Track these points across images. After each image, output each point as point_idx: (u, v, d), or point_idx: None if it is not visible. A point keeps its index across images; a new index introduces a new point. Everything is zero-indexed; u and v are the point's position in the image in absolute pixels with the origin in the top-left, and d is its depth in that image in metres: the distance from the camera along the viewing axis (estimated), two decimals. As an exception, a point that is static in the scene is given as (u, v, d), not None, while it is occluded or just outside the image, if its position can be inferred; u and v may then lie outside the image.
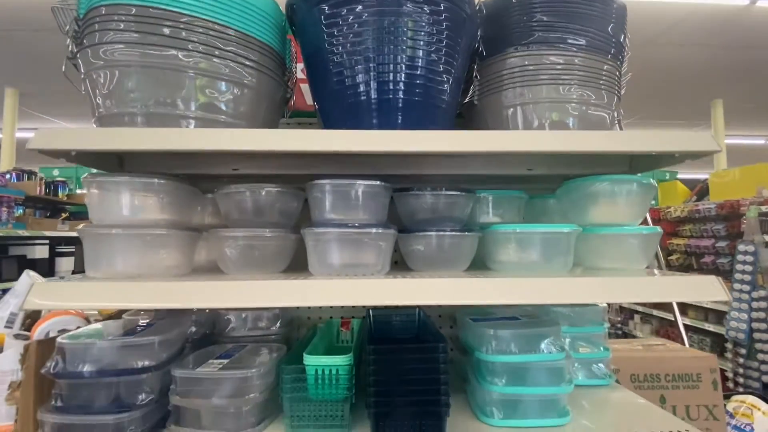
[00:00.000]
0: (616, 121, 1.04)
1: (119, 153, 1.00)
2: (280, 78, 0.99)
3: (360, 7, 0.86)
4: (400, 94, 0.93)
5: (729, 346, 3.56)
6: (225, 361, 0.89)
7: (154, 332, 0.86)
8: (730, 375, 3.52)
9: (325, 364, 0.85)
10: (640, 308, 4.81)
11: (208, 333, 1.07)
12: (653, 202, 5.36)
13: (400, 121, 0.92)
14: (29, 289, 0.74)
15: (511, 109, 1.00)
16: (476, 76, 1.07)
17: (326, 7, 0.88)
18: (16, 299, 1.02)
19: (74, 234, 4.26)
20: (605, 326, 1.15)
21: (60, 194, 4.46)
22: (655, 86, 5.72)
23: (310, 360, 0.86)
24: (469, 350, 0.95)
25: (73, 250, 4.20)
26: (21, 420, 0.79)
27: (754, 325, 3.40)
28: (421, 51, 0.91)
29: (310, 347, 0.91)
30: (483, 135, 0.80)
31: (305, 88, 1.36)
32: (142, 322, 0.96)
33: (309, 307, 1.30)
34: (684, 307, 4.08)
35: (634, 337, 4.58)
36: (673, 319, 2.57)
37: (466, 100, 1.06)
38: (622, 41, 1.04)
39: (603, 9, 0.98)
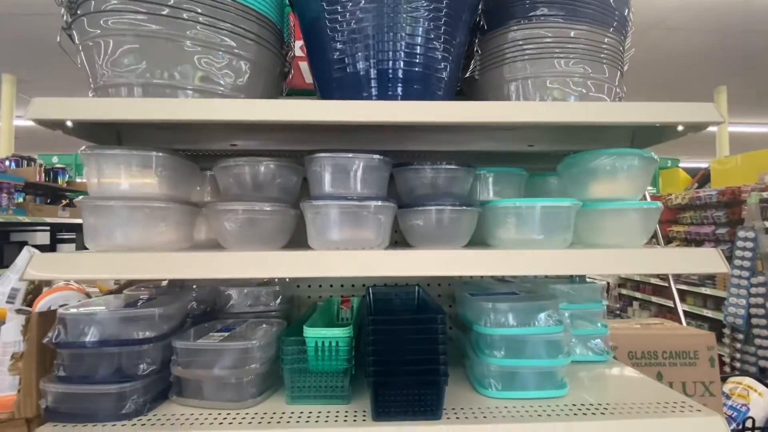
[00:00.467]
0: (618, 98, 1.03)
1: (117, 127, 1.00)
2: (279, 51, 0.98)
3: (359, -23, 0.85)
4: (400, 68, 0.92)
5: (727, 331, 3.59)
6: (225, 334, 0.90)
7: (155, 305, 0.87)
8: (727, 360, 3.55)
9: (325, 336, 0.86)
10: (638, 295, 4.84)
11: (208, 309, 1.07)
12: (654, 189, 5.35)
13: (399, 95, 0.91)
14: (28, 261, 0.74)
15: (513, 84, 0.99)
16: (477, 51, 1.06)
17: (325, -23, 0.86)
18: (17, 275, 1.03)
19: (75, 221, 4.27)
20: (604, 303, 1.15)
21: (60, 181, 4.45)
22: (658, 73, 5.66)
23: (310, 332, 0.86)
24: (468, 324, 0.96)
25: (75, 237, 4.21)
26: (24, 390, 0.80)
27: (752, 310, 3.42)
28: (420, 24, 0.90)
29: (309, 321, 0.92)
30: (483, 105, 0.80)
31: (304, 66, 1.35)
32: (143, 296, 0.97)
33: (309, 286, 1.30)
34: (683, 294, 4.10)
35: (632, 323, 4.60)
36: (672, 305, 2.59)
37: (467, 75, 1.04)
38: (626, 15, 1.02)
39: (607, -20, 0.96)
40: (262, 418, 0.80)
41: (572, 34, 0.95)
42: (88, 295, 1.07)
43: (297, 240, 0.96)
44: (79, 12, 0.80)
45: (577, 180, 1.00)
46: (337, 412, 0.83)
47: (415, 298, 1.14)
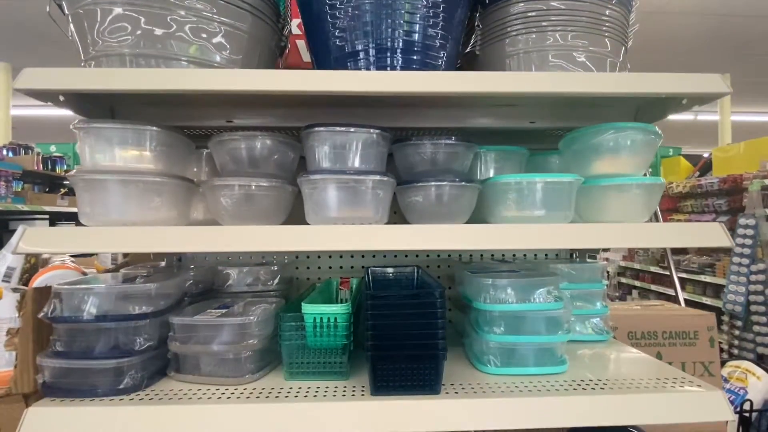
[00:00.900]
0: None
1: (110, 103, 0.98)
2: (275, 25, 0.95)
3: (357, -56, 0.82)
4: (399, 44, 0.90)
5: (725, 318, 3.60)
6: (223, 311, 0.89)
7: (152, 281, 0.86)
8: (725, 347, 3.57)
9: (323, 312, 0.85)
10: (638, 283, 4.85)
11: (206, 289, 1.07)
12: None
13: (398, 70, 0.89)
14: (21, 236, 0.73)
15: (514, 58, 0.97)
16: (478, 25, 1.04)
17: (321, -56, 0.84)
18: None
19: (74, 209, 4.26)
20: (604, 283, 1.15)
21: (58, 170, 4.43)
22: (660, 58, 5.59)
23: (309, 308, 0.86)
24: (467, 302, 0.95)
25: (74, 225, 4.20)
26: (20, 365, 0.80)
27: (752, 297, 3.43)
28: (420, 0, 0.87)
29: (308, 299, 0.91)
30: (484, 75, 0.78)
31: (301, 45, 1.32)
32: (140, 275, 0.96)
33: (308, 268, 1.30)
34: (682, 282, 4.11)
35: (631, 311, 4.62)
36: (673, 293, 2.59)
37: (467, 50, 1.02)
38: (630, -13, 1.00)
39: (611, -50, 0.93)
40: (260, 393, 0.80)
41: (575, 6, 0.92)
42: (85, 275, 1.06)
43: (295, 219, 0.94)
44: (68, -20, 0.78)
45: (580, 157, 0.98)
46: (336, 387, 0.83)
47: (414, 278, 1.13)
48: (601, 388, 0.80)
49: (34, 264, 1.05)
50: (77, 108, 0.90)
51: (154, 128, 0.85)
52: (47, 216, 3.87)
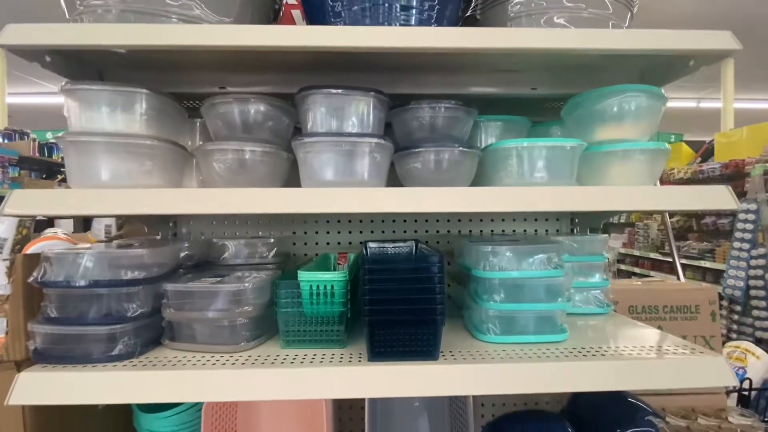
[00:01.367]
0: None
1: (99, 65, 0.95)
2: (268, -14, 0.92)
3: None
4: (397, 7, 0.86)
5: (724, 303, 3.60)
6: (218, 279, 0.88)
7: (145, 248, 0.84)
8: (724, 331, 3.58)
9: (320, 279, 0.84)
10: (637, 270, 4.85)
11: (201, 262, 1.05)
12: (657, 163, 5.28)
13: (396, 31, 0.86)
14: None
15: (515, 21, 0.93)
16: (479, -12, 1.00)
17: None
18: (4, 225, 1.00)
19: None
20: (605, 256, 1.13)
21: (55, 156, 4.39)
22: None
23: (305, 276, 0.84)
24: (466, 270, 0.93)
25: (72, 221, 4.17)
26: (11, 332, 0.78)
27: (751, 282, 3.43)
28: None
29: (304, 267, 0.89)
30: (486, 30, 0.75)
31: (297, 15, 1.29)
32: (134, 245, 0.94)
33: (305, 243, 1.28)
34: (682, 268, 4.10)
35: (630, 298, 4.62)
36: (676, 278, 2.59)
37: (468, 14, 0.99)
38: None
39: None
40: (256, 359, 0.79)
41: (580, -35, 0.89)
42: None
43: (290, 185, 0.92)
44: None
45: (582, 123, 0.96)
46: (333, 354, 0.82)
47: (413, 251, 1.11)
48: (602, 355, 0.79)
49: (26, 235, 1.03)
50: (65, 71, 0.87)
51: (144, 91, 0.82)
52: (46, 217, 3.84)
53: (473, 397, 0.97)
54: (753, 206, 3.43)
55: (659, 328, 1.19)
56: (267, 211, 0.71)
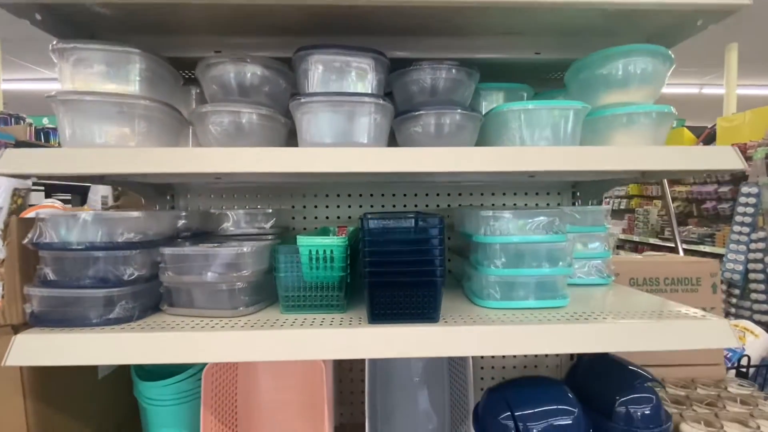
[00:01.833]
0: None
1: (90, 25, 0.92)
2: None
3: None
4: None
5: (723, 287, 3.61)
6: (216, 244, 0.86)
7: (141, 213, 0.83)
8: (722, 314, 3.59)
9: (319, 244, 0.83)
10: (638, 256, 4.85)
11: (199, 232, 1.04)
12: (658, 148, 5.24)
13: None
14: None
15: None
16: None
17: None
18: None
19: (71, 182, 4.21)
20: (607, 227, 1.12)
21: (51, 141, 4.35)
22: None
23: (304, 241, 0.83)
24: (467, 237, 0.93)
25: (70, 198, 4.16)
26: (7, 296, 0.77)
27: (750, 266, 3.43)
28: None
29: (303, 234, 0.88)
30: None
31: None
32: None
33: (304, 217, 1.27)
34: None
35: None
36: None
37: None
38: None
39: None
40: (256, 322, 0.78)
41: None
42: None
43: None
44: None
45: (587, 88, 0.94)
46: (332, 318, 0.81)
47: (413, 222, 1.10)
48: (604, 318, 0.79)
49: (21, 205, 1.02)
50: (55, 31, 0.85)
51: (138, 51, 0.80)
52: (42, 188, 3.82)
53: (473, 366, 0.97)
54: (754, 190, 3.42)
55: (660, 299, 1.19)
56: (264, 170, 0.70)
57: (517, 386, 0.90)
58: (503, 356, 1.33)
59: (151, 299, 0.85)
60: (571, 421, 0.83)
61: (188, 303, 0.83)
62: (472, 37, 0.95)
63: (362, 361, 1.30)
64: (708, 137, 4.52)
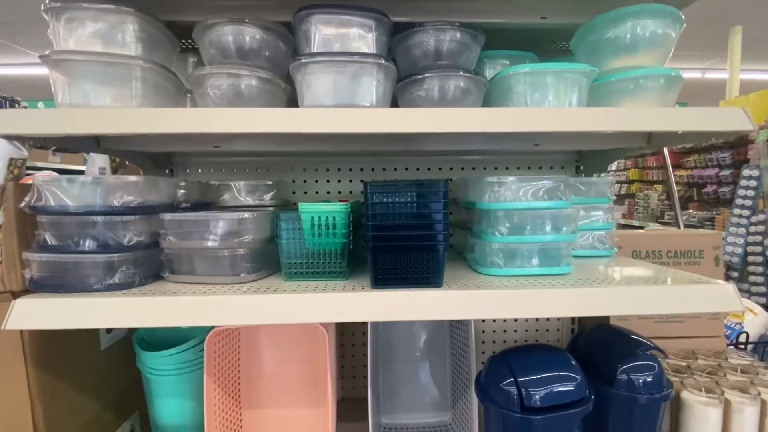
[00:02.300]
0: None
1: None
2: None
3: None
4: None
5: (722, 270, 3.61)
6: (216, 212, 0.85)
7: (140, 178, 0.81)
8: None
9: (321, 210, 0.82)
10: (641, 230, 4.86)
11: (199, 203, 1.03)
12: (659, 132, 5.21)
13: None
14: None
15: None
16: None
17: None
18: (-6, 163, 0.97)
19: (67, 166, 4.17)
20: (610, 199, 1.11)
21: (47, 126, 4.29)
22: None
23: (306, 207, 0.82)
24: (470, 206, 0.92)
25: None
26: (6, 262, 0.77)
27: (749, 248, 3.44)
28: None
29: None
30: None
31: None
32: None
33: (305, 192, 1.26)
34: (681, 237, 4.11)
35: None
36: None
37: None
38: None
39: None
40: (258, 288, 0.77)
41: None
42: (72, 185, 1.02)
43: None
44: None
45: (593, 53, 0.92)
46: (335, 285, 0.80)
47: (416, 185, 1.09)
48: (608, 283, 0.78)
49: (17, 175, 1.00)
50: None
51: (131, 10, 0.78)
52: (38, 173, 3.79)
53: (474, 337, 0.97)
54: (755, 173, 3.41)
55: (662, 272, 1.18)
56: (264, 129, 0.68)
57: (519, 353, 0.90)
58: (504, 330, 1.33)
59: (153, 267, 0.84)
60: (573, 387, 0.83)
61: (190, 270, 0.82)
62: (475, 0, 0.93)
63: (364, 336, 1.30)
64: (710, 121, 4.48)
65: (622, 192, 5.41)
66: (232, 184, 1.04)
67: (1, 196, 0.76)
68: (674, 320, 1.17)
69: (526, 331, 1.33)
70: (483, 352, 1.33)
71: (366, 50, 0.81)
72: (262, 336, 1.05)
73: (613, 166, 5.91)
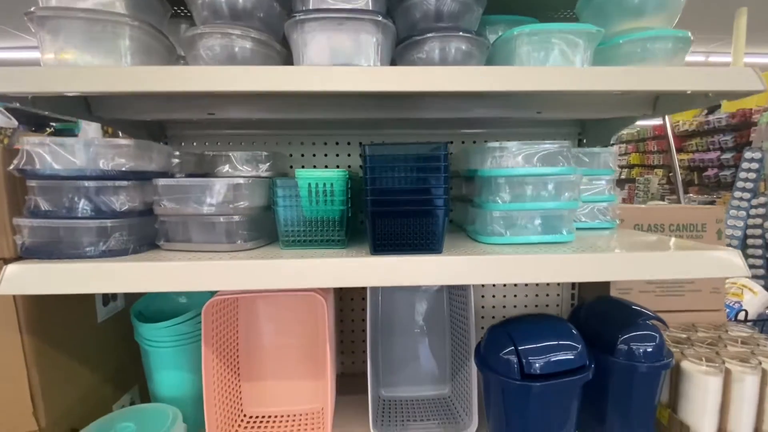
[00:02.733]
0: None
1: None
2: None
3: None
4: None
5: (725, 243, 3.61)
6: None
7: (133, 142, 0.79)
8: (718, 281, 3.63)
9: (318, 177, 0.80)
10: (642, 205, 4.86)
11: (193, 174, 1.00)
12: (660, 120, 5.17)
13: None
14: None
15: None
16: None
17: None
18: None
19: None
20: (614, 170, 1.09)
21: (42, 109, 4.23)
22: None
23: (303, 173, 0.80)
24: (471, 174, 0.90)
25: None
26: (-2, 228, 0.75)
27: (749, 231, 3.44)
28: None
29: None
30: None
31: None
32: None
33: (302, 166, 1.24)
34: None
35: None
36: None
37: None
38: None
39: None
40: (255, 255, 0.76)
41: None
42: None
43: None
44: None
45: (599, 16, 0.89)
46: (333, 253, 0.79)
47: (416, 148, 1.07)
48: (612, 251, 0.77)
49: (6, 144, 0.98)
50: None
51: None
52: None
53: (474, 310, 0.96)
54: (758, 155, 3.38)
55: (664, 245, 1.17)
56: (259, 88, 0.66)
57: (519, 322, 0.89)
58: (504, 306, 1.33)
59: (147, 235, 0.82)
60: (573, 356, 0.83)
61: (185, 238, 0.81)
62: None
63: (363, 312, 1.30)
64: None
65: (623, 177, 5.39)
66: (230, 154, 1.02)
67: (-11, 160, 0.73)
68: (675, 293, 1.16)
69: (526, 306, 1.32)
70: (482, 327, 1.33)
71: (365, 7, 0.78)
72: (260, 308, 1.05)
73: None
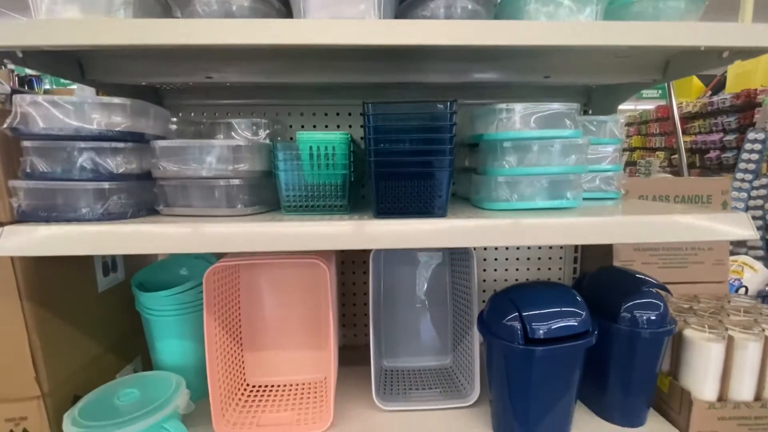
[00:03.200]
0: None
1: None
2: None
3: None
4: None
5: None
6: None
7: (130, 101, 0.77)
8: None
9: (320, 140, 0.78)
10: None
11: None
12: (659, 93, 5.11)
13: None
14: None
15: None
16: None
17: None
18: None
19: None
20: (620, 140, 1.07)
21: (36, 89, 4.17)
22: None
23: (304, 136, 0.78)
24: (476, 139, 0.88)
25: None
26: (-7, 191, 0.73)
27: (750, 212, 3.43)
28: None
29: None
30: None
31: None
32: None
33: (303, 129, 1.21)
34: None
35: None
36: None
37: None
38: None
39: None
40: (257, 218, 0.75)
41: None
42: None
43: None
44: None
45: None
46: (336, 218, 0.78)
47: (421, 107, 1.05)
48: (620, 213, 0.76)
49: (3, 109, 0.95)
50: None
51: None
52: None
53: (477, 281, 0.96)
54: (761, 135, 3.35)
55: (669, 216, 1.16)
56: (259, 41, 0.64)
57: (523, 288, 0.89)
58: (505, 280, 1.32)
59: (146, 200, 0.81)
60: (576, 322, 0.82)
61: (185, 203, 0.79)
62: None
63: (365, 285, 1.29)
64: (717, 85, 4.38)
65: (624, 159, 5.35)
66: (230, 121, 0.99)
67: (-19, 121, 0.71)
68: (678, 266, 1.16)
69: (527, 279, 1.32)
70: (483, 301, 1.33)
71: (367, -36, 0.75)
72: (261, 277, 1.04)
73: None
